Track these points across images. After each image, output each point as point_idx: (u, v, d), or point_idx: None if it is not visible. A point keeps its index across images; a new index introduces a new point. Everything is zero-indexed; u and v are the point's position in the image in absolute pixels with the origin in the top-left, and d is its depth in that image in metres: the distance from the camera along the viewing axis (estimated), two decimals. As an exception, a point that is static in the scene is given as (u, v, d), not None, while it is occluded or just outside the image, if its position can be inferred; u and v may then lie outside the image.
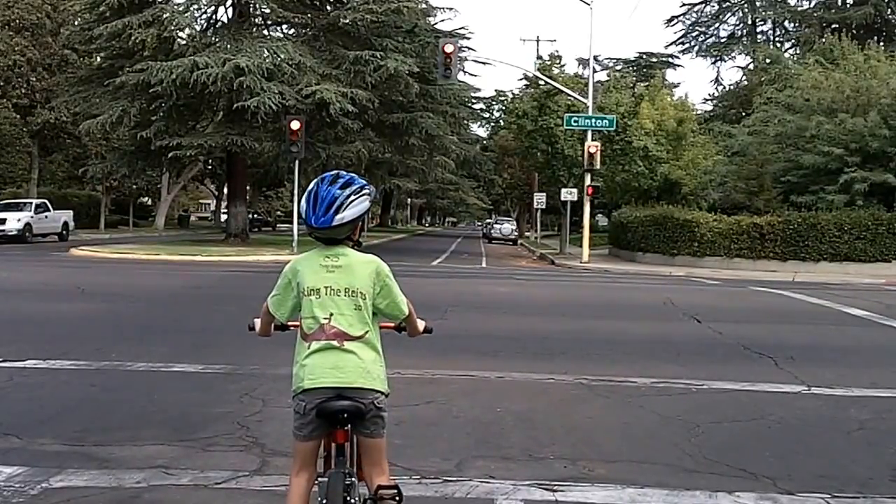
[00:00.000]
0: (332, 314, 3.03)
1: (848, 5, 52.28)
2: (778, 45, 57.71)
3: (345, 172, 3.19)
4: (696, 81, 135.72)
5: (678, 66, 76.69)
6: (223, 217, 46.53)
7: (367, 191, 3.11)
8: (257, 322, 3.39)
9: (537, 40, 70.97)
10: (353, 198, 3.06)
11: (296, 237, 27.98)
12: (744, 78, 55.87)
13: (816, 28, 50.43)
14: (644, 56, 68.56)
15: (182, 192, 63.98)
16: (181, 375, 7.07)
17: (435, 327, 3.48)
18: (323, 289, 3.05)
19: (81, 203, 46.54)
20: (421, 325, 3.40)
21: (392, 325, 3.35)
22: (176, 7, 30.90)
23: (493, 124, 73.04)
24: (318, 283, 3.06)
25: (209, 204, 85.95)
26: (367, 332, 3.07)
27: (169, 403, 6.07)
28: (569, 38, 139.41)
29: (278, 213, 78.08)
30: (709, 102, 63.16)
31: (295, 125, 25.88)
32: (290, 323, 3.27)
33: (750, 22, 61.49)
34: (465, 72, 41.54)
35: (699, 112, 49.96)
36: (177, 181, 52.80)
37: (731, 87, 59.83)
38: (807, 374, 7.74)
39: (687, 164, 36.16)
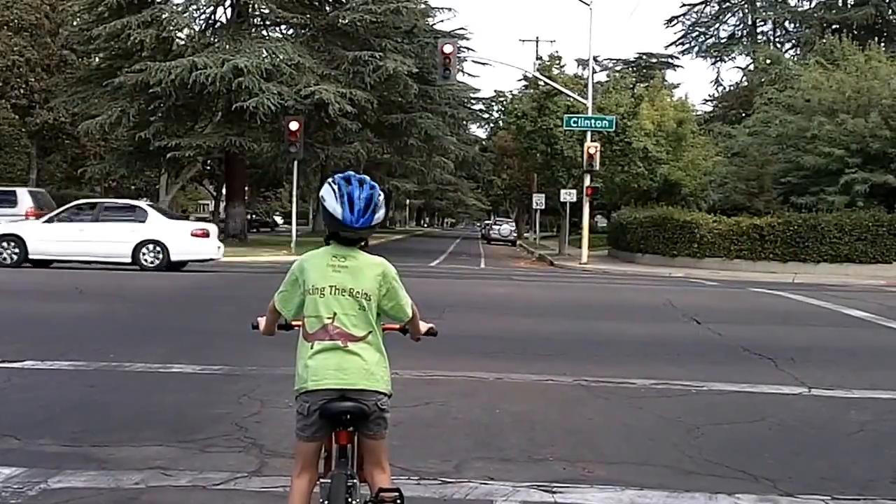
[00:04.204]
0: (335, 313, 3.03)
1: (849, 6, 52.33)
2: (778, 45, 57.79)
3: (355, 174, 3.20)
4: (696, 82, 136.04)
5: (678, 66, 76.71)
6: (222, 217, 46.47)
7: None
8: (261, 321, 3.37)
9: (536, 41, 71.20)
10: (382, 196, 3.14)
11: (294, 238, 27.96)
12: (744, 78, 56.04)
13: (817, 28, 50.48)
14: (644, 56, 68.63)
15: (180, 193, 63.86)
16: (179, 376, 7.05)
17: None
18: (327, 287, 3.04)
19: (80, 203, 46.44)
20: (424, 327, 3.39)
21: (396, 326, 3.35)
22: (175, 7, 30.97)
23: (492, 125, 73.07)
24: (323, 281, 3.05)
25: (208, 204, 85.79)
26: (370, 333, 3.07)
27: (167, 404, 6.06)
28: (568, 38, 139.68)
29: (276, 213, 78.07)
30: (709, 103, 63.37)
31: (293, 126, 25.88)
32: (294, 322, 3.26)
33: (750, 22, 61.62)
34: (464, 72, 41.69)
35: (699, 113, 50.06)
36: (175, 182, 52.69)
37: (732, 88, 60.01)
38: (807, 375, 7.72)
39: (687, 165, 36.17)
